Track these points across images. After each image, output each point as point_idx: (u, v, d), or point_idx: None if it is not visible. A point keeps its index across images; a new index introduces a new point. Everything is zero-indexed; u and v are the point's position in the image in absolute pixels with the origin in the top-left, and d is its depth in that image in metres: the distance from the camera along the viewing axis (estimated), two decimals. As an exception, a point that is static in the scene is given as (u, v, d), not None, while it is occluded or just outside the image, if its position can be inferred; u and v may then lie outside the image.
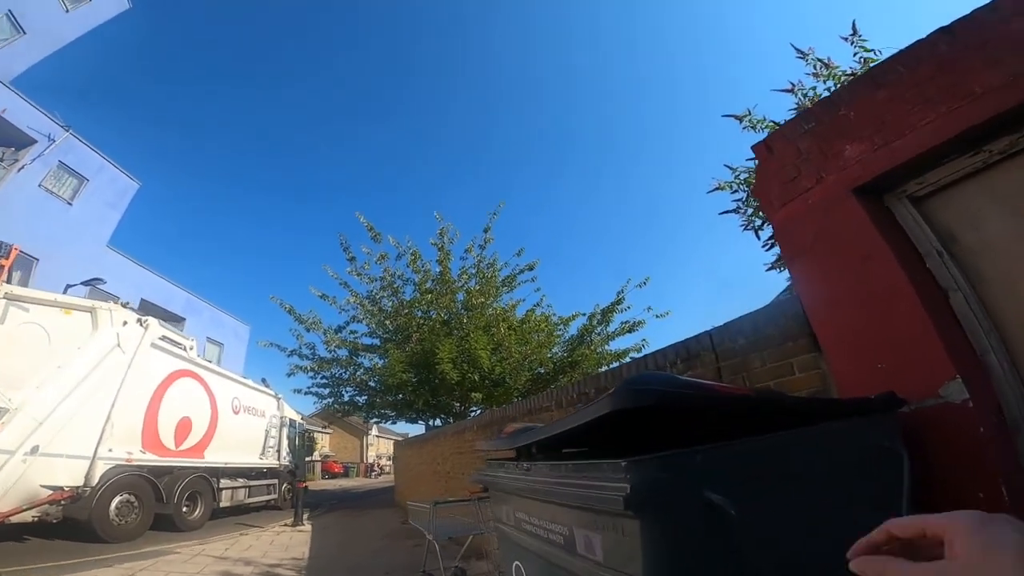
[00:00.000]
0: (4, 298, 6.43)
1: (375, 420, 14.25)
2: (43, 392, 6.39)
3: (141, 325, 8.37)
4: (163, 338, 8.97)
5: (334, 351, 12.43)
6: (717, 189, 6.14)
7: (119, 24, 21.20)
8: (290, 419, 14.65)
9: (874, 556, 0.47)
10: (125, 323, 8.04)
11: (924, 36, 1.82)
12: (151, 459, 8.13)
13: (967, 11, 1.71)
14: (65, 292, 11.03)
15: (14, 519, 5.90)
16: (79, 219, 17.84)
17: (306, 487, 10.62)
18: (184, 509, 8.71)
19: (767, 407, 1.28)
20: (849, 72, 5.19)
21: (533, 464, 1.76)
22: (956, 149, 1.72)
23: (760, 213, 5.64)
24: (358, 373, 12.58)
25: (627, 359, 10.77)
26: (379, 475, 39.57)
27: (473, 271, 12.22)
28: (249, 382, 12.70)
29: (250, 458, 11.85)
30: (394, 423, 14.20)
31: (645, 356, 3.54)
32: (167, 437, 8.67)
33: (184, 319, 22.35)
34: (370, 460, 44.82)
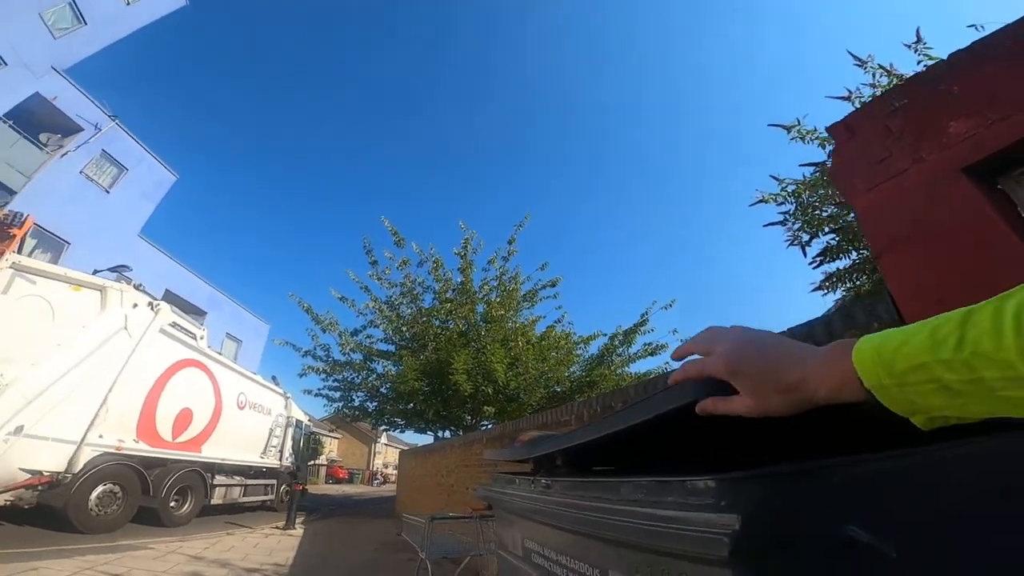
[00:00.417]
0: (11, 268, 6.25)
1: (384, 428, 14.10)
2: (38, 370, 6.12)
3: (152, 309, 8.18)
4: (173, 325, 8.76)
5: (348, 354, 12.34)
6: (760, 202, 5.67)
7: (175, 20, 21.84)
8: (297, 420, 14.43)
9: None
10: (135, 305, 7.85)
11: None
12: (143, 449, 7.83)
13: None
14: (90, 276, 11.05)
15: (-17, 501, 5.62)
16: (114, 207, 18.29)
17: (303, 490, 10.24)
18: (172, 504, 8.40)
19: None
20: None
21: (554, 480, 1.35)
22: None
23: (808, 227, 5.19)
24: (370, 378, 12.41)
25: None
26: (382, 483, 39.70)
27: (495, 283, 11.99)
28: (258, 378, 12.48)
29: (250, 456, 11.55)
30: (403, 432, 14.01)
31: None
32: (164, 428, 8.37)
33: (206, 313, 22.59)
34: (376, 468, 44.52)
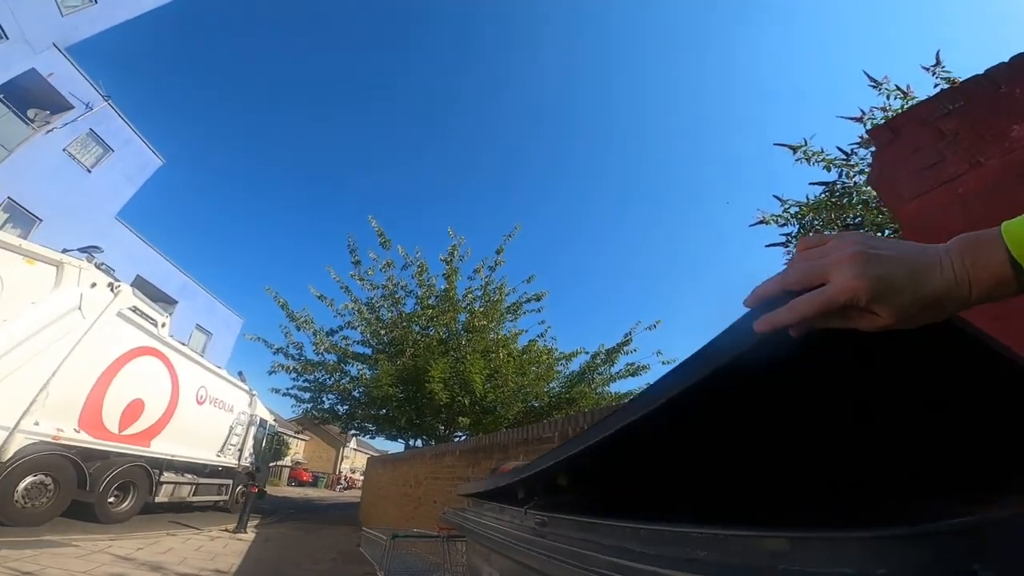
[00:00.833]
0: None
1: (354, 432, 13.72)
2: (-26, 347, 5.61)
3: (112, 291, 7.70)
4: (134, 309, 8.25)
5: (322, 354, 11.93)
6: (760, 223, 5.43)
7: (181, 5, 21.46)
8: (261, 418, 13.86)
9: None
10: (93, 285, 7.38)
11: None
12: (84, 440, 7.25)
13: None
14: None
15: None
16: (94, 187, 17.86)
17: (259, 492, 9.68)
18: (111, 499, 7.82)
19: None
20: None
21: (552, 517, 1.06)
22: None
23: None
24: (343, 381, 11.97)
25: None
26: (345, 488, 38.71)
27: (479, 293, 11.72)
28: (223, 373, 11.93)
29: (206, 454, 10.95)
30: (373, 438, 13.59)
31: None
32: (111, 418, 7.79)
33: (177, 302, 21.99)
34: (342, 472, 43.60)
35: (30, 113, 15.74)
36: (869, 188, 4.08)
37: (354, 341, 12.20)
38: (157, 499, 9.02)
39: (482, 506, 1.67)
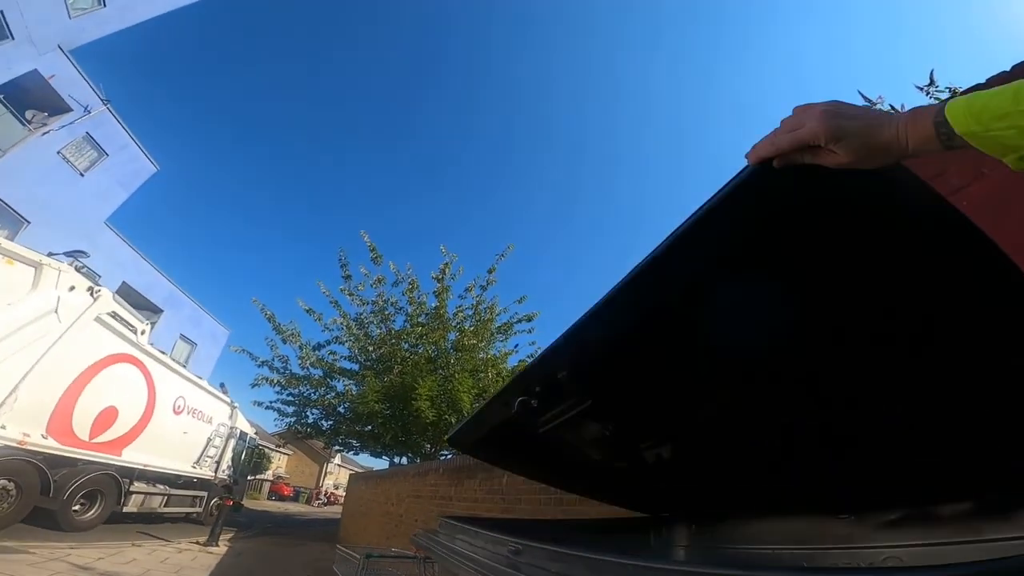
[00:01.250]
0: None
1: (338, 448, 13.46)
2: (-61, 344, 5.40)
3: (91, 295, 7.50)
4: (113, 314, 8.04)
5: (308, 369, 11.74)
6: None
7: (189, 12, 21.48)
8: (241, 431, 13.55)
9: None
10: (72, 288, 7.19)
11: None
12: (52, 446, 6.97)
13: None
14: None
15: None
16: (86, 192, 17.67)
17: (235, 504, 9.37)
18: (76, 508, 7.55)
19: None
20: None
21: (528, 547, 1.07)
22: None
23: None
24: (328, 396, 11.73)
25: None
26: (324, 504, 37.91)
27: (470, 312, 11.59)
28: (204, 383, 11.67)
29: (180, 465, 10.65)
30: (357, 454, 13.28)
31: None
32: (81, 425, 7.53)
33: (162, 311, 21.66)
34: (322, 488, 42.68)
35: (28, 114, 15.64)
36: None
37: (341, 356, 12.01)
38: (126, 509, 8.74)
39: (455, 529, 1.53)
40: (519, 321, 11.89)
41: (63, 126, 16.39)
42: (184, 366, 12.05)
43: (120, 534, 7.86)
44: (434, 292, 11.42)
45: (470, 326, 11.31)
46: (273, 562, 7.85)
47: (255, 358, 11.67)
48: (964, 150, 1.84)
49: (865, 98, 4.99)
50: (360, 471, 15.07)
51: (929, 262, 0.72)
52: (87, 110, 17.00)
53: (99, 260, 16.04)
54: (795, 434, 1.11)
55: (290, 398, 11.79)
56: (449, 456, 9.81)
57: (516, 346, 12.09)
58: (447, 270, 11.40)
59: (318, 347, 11.78)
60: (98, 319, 7.64)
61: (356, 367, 11.76)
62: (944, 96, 4.32)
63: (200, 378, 11.76)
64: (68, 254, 14.10)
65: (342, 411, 11.61)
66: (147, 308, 20.35)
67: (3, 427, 6.11)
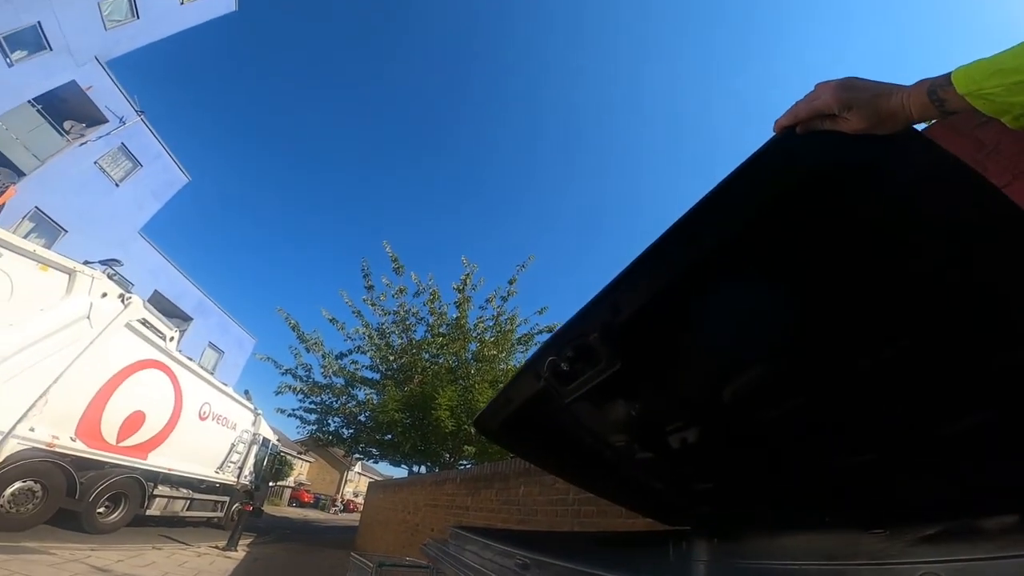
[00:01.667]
0: None
1: (358, 456, 13.64)
2: (-26, 348, 5.56)
3: (122, 302, 7.66)
4: (143, 321, 8.22)
5: (330, 377, 11.96)
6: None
7: (221, 24, 22.14)
8: (264, 438, 13.70)
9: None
10: (104, 295, 7.35)
11: None
12: (80, 449, 7.13)
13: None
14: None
15: None
16: (121, 201, 18.20)
17: (254, 510, 9.46)
18: (100, 510, 7.66)
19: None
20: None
21: (534, 560, 1.07)
22: None
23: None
24: (350, 404, 11.96)
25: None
26: (340, 511, 38.03)
27: (491, 322, 11.64)
28: (228, 390, 11.84)
29: (204, 470, 10.80)
30: (377, 462, 13.29)
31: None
32: (109, 429, 7.68)
33: (192, 319, 22.19)
34: (339, 495, 42.79)
35: (66, 125, 16.18)
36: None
37: (363, 366, 12.20)
38: (149, 512, 8.86)
39: (464, 540, 1.50)
40: (540, 332, 11.83)
41: (100, 137, 16.95)
42: (211, 373, 12.29)
43: (142, 537, 7.99)
44: (455, 303, 11.51)
45: (491, 337, 11.35)
46: (289, 568, 7.89)
47: (279, 366, 11.93)
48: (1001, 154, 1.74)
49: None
50: (379, 479, 15.11)
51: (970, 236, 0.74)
52: (122, 121, 17.57)
53: (132, 269, 16.45)
54: (828, 437, 1.07)
55: (312, 406, 12.00)
56: (468, 466, 9.82)
57: None
58: (468, 281, 11.49)
59: (340, 356, 12.00)
60: (128, 325, 7.80)
61: (377, 376, 11.91)
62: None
63: (225, 385, 11.96)
64: (102, 262, 14.55)
65: (363, 419, 11.76)
66: (178, 316, 20.86)
67: (32, 429, 6.25)
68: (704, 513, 1.67)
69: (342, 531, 17.88)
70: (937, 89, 0.61)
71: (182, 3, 18.99)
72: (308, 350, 11.77)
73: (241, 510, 9.12)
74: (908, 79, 0.67)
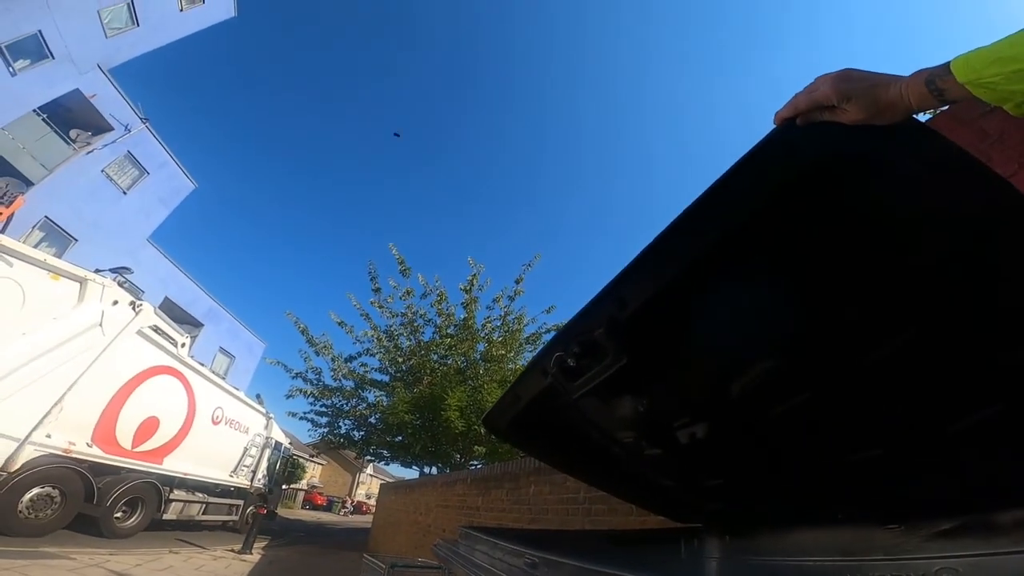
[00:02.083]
0: None
1: (369, 459, 13.68)
2: (-10, 357, 5.63)
3: (133, 309, 7.73)
4: (154, 328, 8.30)
5: (340, 380, 12.06)
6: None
7: (221, 30, 22.18)
8: (276, 441, 13.78)
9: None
10: (115, 302, 7.42)
11: None
12: (96, 455, 7.20)
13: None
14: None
15: None
16: (129, 209, 18.30)
17: (269, 513, 9.54)
18: (118, 515, 7.72)
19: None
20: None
21: (542, 558, 1.07)
22: None
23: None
24: (360, 407, 12.00)
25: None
26: (349, 513, 38.13)
27: (498, 322, 11.64)
28: (240, 395, 11.92)
29: (218, 474, 10.87)
30: (388, 464, 13.36)
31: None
32: (124, 435, 7.75)
33: (203, 325, 22.35)
34: (351, 497, 43.02)
35: (72, 134, 16.28)
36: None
37: (372, 368, 12.24)
38: (165, 516, 8.93)
39: (475, 540, 1.51)
40: (548, 331, 11.75)
41: (106, 145, 17.01)
42: (223, 378, 12.38)
43: (159, 541, 8.07)
44: (462, 303, 11.51)
45: (498, 337, 11.36)
46: (303, 571, 7.96)
47: (289, 370, 12.06)
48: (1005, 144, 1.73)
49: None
50: (391, 481, 15.21)
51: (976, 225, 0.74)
52: (127, 129, 17.65)
53: (142, 276, 16.59)
54: (836, 432, 1.06)
55: (323, 409, 12.08)
56: (478, 466, 9.84)
57: None
58: (475, 281, 11.50)
59: (350, 359, 12.05)
60: (140, 332, 7.87)
61: (387, 378, 11.93)
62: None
63: (237, 389, 12.03)
64: (113, 270, 14.71)
65: (373, 422, 11.80)
66: (189, 322, 21.00)
67: (49, 436, 6.31)
68: (715, 510, 1.66)
69: (355, 533, 18.02)
70: (936, 79, 0.61)
71: (182, 10, 19.00)
72: (318, 353, 11.85)
73: (255, 513, 9.20)
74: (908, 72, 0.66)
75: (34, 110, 14.66)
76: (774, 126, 0.75)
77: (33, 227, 14.62)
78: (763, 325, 0.99)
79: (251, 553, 8.51)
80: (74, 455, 6.78)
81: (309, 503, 36.26)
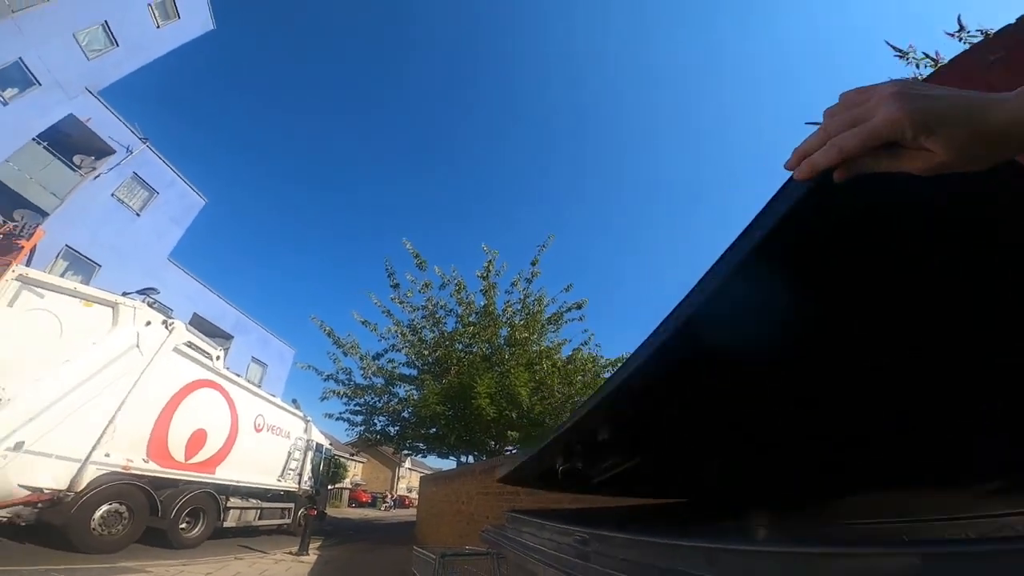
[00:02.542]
0: (17, 280, 6.10)
1: (406, 452, 13.89)
2: (41, 385, 5.90)
3: (166, 328, 7.98)
4: (188, 344, 8.56)
5: (370, 378, 12.20)
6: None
7: (204, 43, 22.08)
8: (317, 443, 14.12)
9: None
10: (148, 323, 7.67)
11: None
12: (153, 469, 7.55)
13: None
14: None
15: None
16: (144, 231, 18.40)
17: (319, 514, 9.85)
18: (183, 526, 8.06)
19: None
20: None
21: (594, 535, 1.03)
22: None
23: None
24: (392, 402, 12.17)
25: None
26: (390, 508, 38.70)
27: (519, 306, 11.64)
28: (277, 401, 12.23)
29: (267, 479, 11.24)
30: (425, 456, 13.62)
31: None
32: (177, 448, 8.10)
33: (232, 337, 22.67)
34: (391, 492, 43.84)
35: (76, 159, 16.33)
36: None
37: (400, 363, 12.35)
38: (225, 524, 9.28)
39: (521, 523, 1.55)
40: (568, 310, 11.83)
41: (111, 168, 17.02)
42: (259, 386, 12.69)
43: (224, 549, 8.41)
44: (481, 290, 11.54)
45: (520, 320, 11.36)
46: (360, 567, 8.23)
47: (320, 373, 12.23)
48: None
49: (895, 48, 4.59)
50: (430, 473, 15.48)
51: None
52: (129, 150, 17.61)
53: (169, 295, 16.79)
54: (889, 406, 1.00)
55: (357, 408, 12.25)
56: (513, 451, 9.90)
57: (567, 339, 12.00)
58: (491, 267, 11.49)
59: (377, 356, 12.17)
60: (176, 349, 8.14)
61: (415, 372, 12.07)
62: (978, 40, 3.90)
63: (274, 396, 12.35)
64: (140, 292, 15.03)
65: (406, 416, 11.94)
66: (219, 335, 21.31)
67: (107, 455, 6.66)
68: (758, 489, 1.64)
69: (401, 527, 18.37)
70: None
71: (158, 27, 18.80)
72: (345, 354, 11.97)
73: (306, 515, 9.48)
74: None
75: (33, 139, 14.66)
76: (792, 182, 0.47)
77: (56, 257, 14.78)
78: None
79: (308, 554, 8.80)
80: (133, 471, 7.12)
81: (355, 501, 36.98)
